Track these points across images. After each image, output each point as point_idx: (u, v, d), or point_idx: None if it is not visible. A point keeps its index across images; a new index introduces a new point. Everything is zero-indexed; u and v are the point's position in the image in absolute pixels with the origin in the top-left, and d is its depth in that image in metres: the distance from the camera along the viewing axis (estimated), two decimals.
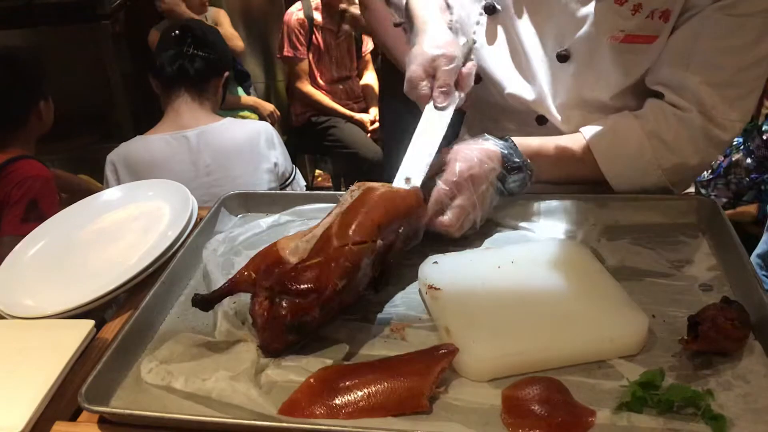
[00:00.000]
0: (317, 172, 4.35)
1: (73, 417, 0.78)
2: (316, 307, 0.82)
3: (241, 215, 1.20)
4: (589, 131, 1.09)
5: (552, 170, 1.09)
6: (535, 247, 0.99)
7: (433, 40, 1.07)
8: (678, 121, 1.05)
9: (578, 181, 1.12)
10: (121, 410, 0.76)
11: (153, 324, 0.91)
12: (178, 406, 0.77)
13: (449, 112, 1.05)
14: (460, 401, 0.75)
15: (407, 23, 1.22)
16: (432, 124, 1.04)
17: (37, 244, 1.11)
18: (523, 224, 1.07)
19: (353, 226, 0.89)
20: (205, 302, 0.88)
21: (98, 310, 0.97)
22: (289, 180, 2.02)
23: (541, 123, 1.19)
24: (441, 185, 0.99)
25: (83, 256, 1.08)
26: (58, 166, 3.09)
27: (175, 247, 1.04)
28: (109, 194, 1.24)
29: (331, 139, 3.62)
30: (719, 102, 1.02)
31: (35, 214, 1.85)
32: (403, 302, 0.93)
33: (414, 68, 1.06)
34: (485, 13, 1.17)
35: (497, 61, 1.18)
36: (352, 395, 0.74)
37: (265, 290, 0.85)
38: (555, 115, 1.15)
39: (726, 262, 0.96)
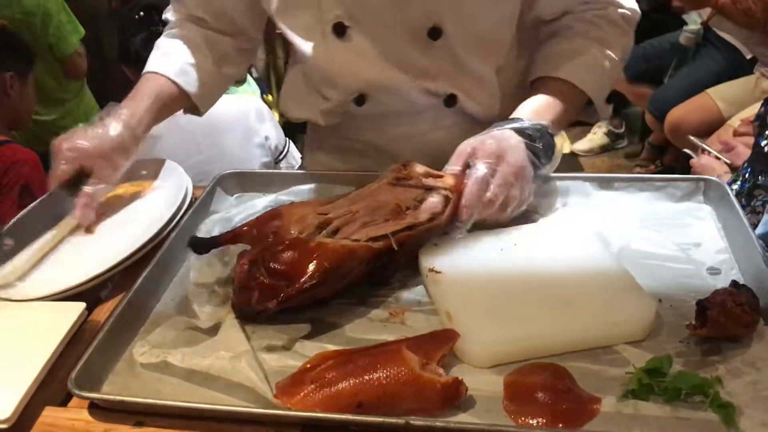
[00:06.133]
0: None
1: (64, 403, 0.76)
2: (274, 299, 0.80)
3: (237, 195, 1.18)
4: (552, 68, 1.06)
5: (560, 125, 1.04)
6: (538, 229, 0.96)
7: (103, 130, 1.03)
8: (602, 19, 1.08)
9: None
10: (112, 396, 0.74)
11: (146, 307, 0.89)
12: (173, 392, 0.75)
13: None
14: None
15: None
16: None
17: None
18: (526, 206, 1.04)
19: (358, 224, 0.86)
20: (202, 246, 0.87)
21: (92, 292, 0.95)
22: (283, 153, 1.98)
23: (450, 104, 1.12)
24: (480, 164, 0.91)
25: (75, 238, 1.05)
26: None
27: (169, 228, 1.01)
28: None
29: None
30: None
31: (30, 199, 1.80)
32: (403, 285, 0.91)
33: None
34: (335, 36, 1.04)
35: (374, 69, 1.06)
36: (349, 381, 0.72)
37: (250, 254, 0.83)
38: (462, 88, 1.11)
39: (734, 244, 0.93)
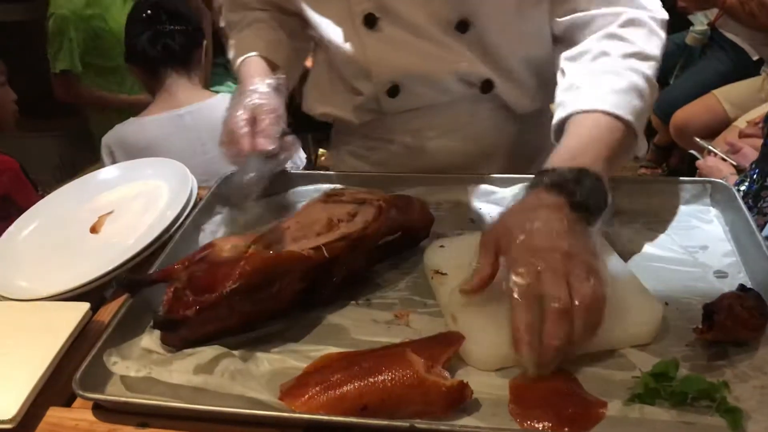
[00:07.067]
0: (321, 150, 4.32)
1: (68, 403, 0.76)
2: (193, 307, 0.76)
3: None
4: (582, 101, 0.92)
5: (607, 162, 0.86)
6: None
7: (254, 92, 1.02)
8: (629, 26, 0.97)
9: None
10: (116, 397, 0.73)
11: (150, 307, 0.88)
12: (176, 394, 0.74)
13: (274, 164, 1.03)
14: None
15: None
16: (259, 171, 1.00)
17: (31, 224, 1.08)
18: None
19: (289, 239, 0.84)
20: (133, 284, 0.84)
21: (96, 292, 0.95)
22: None
23: (487, 90, 1.10)
24: (515, 278, 0.73)
25: (79, 237, 1.05)
26: (53, 143, 3.04)
27: (174, 228, 1.01)
28: (107, 173, 1.21)
29: None
30: None
31: (12, 209, 1.69)
32: (408, 287, 0.90)
33: (233, 113, 1.01)
34: (366, 27, 1.04)
35: (408, 57, 1.07)
36: (354, 384, 0.72)
37: (177, 282, 0.81)
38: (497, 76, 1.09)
39: (741, 247, 0.93)
